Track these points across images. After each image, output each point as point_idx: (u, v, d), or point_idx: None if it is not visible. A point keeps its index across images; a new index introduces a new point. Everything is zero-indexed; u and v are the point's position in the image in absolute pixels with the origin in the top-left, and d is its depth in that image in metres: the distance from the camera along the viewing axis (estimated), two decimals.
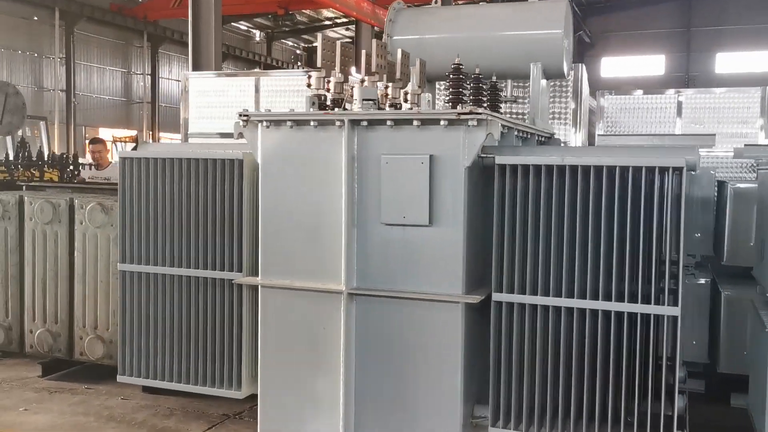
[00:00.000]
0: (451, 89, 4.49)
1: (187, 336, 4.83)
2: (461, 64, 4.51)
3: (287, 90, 7.89)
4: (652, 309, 3.72)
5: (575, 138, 6.96)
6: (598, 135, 7.07)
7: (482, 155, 4.08)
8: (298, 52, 35.98)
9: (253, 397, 4.87)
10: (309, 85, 4.55)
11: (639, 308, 3.75)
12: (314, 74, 4.51)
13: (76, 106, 24.62)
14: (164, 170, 4.81)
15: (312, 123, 4.23)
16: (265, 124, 4.35)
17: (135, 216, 4.91)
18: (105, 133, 26.76)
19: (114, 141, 24.73)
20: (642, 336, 3.76)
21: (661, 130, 8.61)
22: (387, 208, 4.10)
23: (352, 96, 4.50)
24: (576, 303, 3.86)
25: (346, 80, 4.61)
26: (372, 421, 4.23)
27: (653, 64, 34.45)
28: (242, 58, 30.85)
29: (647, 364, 3.76)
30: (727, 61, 33.81)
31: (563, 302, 3.88)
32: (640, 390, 3.76)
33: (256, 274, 4.56)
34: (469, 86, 4.56)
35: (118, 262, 4.96)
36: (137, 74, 28.13)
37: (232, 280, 4.68)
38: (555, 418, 3.95)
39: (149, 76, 28.35)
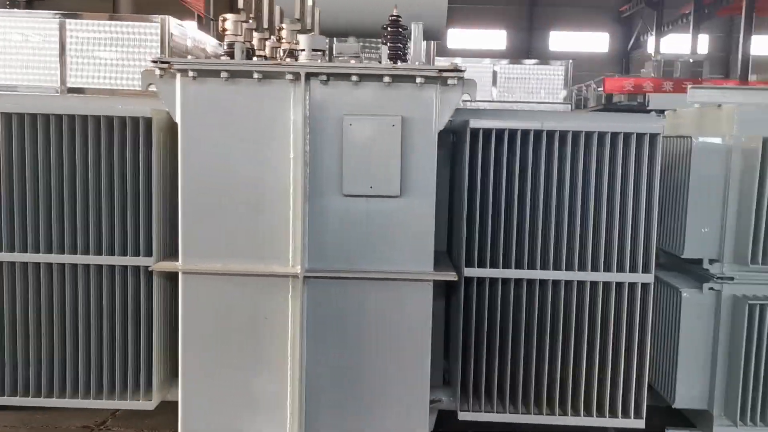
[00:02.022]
0: (390, 44, 4.05)
1: (73, 338, 3.85)
2: (399, 17, 4.08)
3: (103, 39, 6.72)
4: (627, 277, 3.72)
5: None
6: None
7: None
8: None
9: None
10: (224, 30, 3.85)
11: (604, 276, 3.73)
12: (231, 18, 3.81)
13: None
14: (35, 130, 3.73)
15: (255, 75, 3.54)
16: (191, 74, 3.55)
17: None
18: None
19: None
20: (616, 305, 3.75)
21: (478, 97, 8.88)
22: (350, 177, 3.58)
23: (253, 46, 3.91)
24: (548, 274, 3.74)
25: (258, 27, 3.99)
26: (327, 420, 3.72)
27: None
28: None
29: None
30: (458, 37, 36.45)
31: (541, 275, 3.73)
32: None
33: (171, 258, 3.76)
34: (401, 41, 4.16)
35: None
36: None
37: (138, 266, 3.81)
38: (527, 396, 3.81)
39: None
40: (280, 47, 3.92)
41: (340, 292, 3.67)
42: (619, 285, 3.73)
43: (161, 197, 3.81)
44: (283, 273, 3.64)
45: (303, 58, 3.65)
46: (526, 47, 34.89)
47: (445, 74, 3.50)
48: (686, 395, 4.48)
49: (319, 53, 3.67)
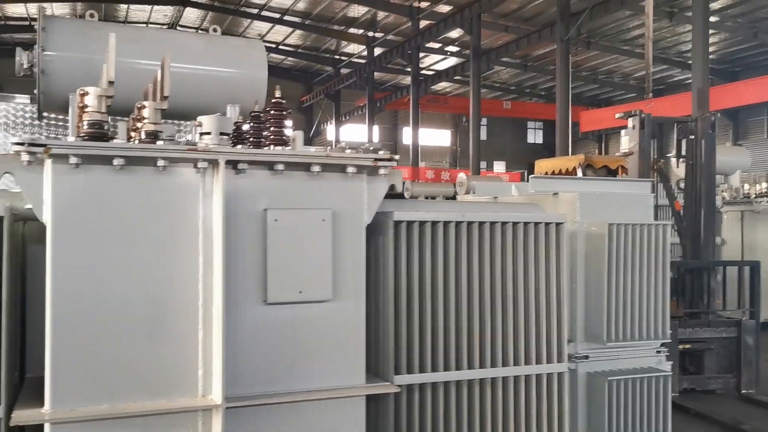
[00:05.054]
0: (272, 128, 3.61)
1: None
2: (282, 99, 3.68)
3: None
4: (545, 369, 3.67)
5: None
6: None
7: None
8: None
9: None
10: (82, 106, 3.09)
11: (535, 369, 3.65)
12: (94, 91, 3.08)
13: None
14: None
15: (161, 162, 2.85)
16: (72, 161, 2.72)
17: None
18: None
19: None
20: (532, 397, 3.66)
21: None
22: (276, 281, 3.02)
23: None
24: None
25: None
26: None
27: None
28: None
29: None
30: None
31: (469, 374, 3.49)
32: None
33: (29, 404, 2.78)
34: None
35: None
36: None
37: None
38: None
39: None
40: (142, 129, 3.24)
41: (260, 423, 3.02)
42: (539, 377, 3.65)
43: (13, 323, 2.82)
44: (191, 407, 2.90)
45: (207, 142, 3.04)
46: None
47: (379, 163, 3.18)
48: None
49: (225, 137, 3.09)
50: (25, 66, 4.50)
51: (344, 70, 32.69)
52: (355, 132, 35.15)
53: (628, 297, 4.55)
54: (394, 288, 3.36)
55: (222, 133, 3.08)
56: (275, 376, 3.06)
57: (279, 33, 29.12)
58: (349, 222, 3.17)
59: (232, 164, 2.98)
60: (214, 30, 5.60)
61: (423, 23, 26.10)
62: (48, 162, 2.73)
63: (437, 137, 37.79)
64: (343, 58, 32.78)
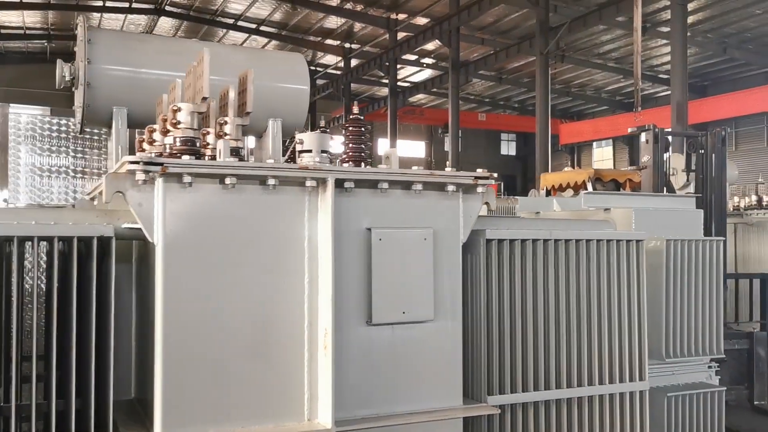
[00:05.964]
0: (351, 144, 3.54)
1: None
2: (361, 115, 3.61)
3: None
4: (627, 387, 3.64)
5: None
6: None
7: None
8: None
9: None
10: (176, 123, 2.98)
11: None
12: (186, 107, 2.97)
13: None
14: None
15: (270, 182, 2.76)
16: (186, 179, 2.62)
17: None
18: None
19: None
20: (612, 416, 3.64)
21: None
22: (380, 301, 2.95)
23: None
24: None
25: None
26: None
27: None
28: None
29: None
30: None
31: (556, 394, 3.45)
32: None
33: (136, 429, 2.66)
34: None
35: None
36: None
37: None
38: None
39: None
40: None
41: None
42: (622, 396, 3.63)
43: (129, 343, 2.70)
44: None
45: (309, 160, 2.96)
46: None
47: (479, 182, 3.13)
48: None
49: (325, 155, 3.02)
50: (67, 78, 4.36)
51: (320, 81, 32.59)
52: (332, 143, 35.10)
53: (685, 313, 4.56)
54: (487, 307, 3.30)
55: (324, 151, 3.01)
56: (377, 398, 2.98)
57: (255, 43, 28.93)
58: (447, 241, 3.12)
59: (337, 183, 2.90)
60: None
61: (400, 35, 26.15)
62: (159, 181, 2.62)
63: (412, 148, 37.84)
64: (319, 69, 32.68)
